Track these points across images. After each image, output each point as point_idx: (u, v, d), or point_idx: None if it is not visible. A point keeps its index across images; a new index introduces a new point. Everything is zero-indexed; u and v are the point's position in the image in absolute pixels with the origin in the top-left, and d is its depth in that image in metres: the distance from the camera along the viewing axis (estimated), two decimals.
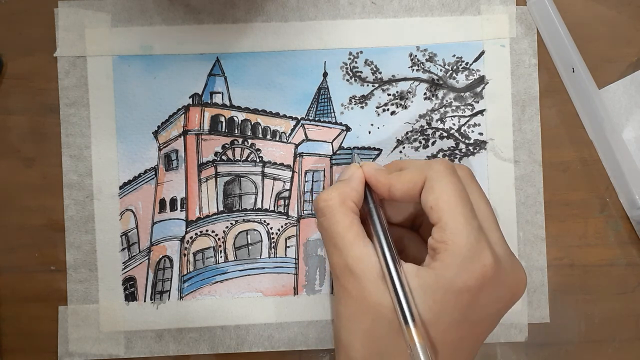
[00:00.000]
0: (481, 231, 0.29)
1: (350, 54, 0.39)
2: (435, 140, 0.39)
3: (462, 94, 0.39)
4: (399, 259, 0.30)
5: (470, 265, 0.28)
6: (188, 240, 0.39)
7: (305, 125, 0.39)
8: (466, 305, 0.29)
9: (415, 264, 0.30)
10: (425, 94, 0.39)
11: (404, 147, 0.39)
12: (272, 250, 0.39)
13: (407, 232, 0.35)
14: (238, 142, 0.39)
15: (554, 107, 0.40)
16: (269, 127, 0.39)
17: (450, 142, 0.39)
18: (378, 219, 0.32)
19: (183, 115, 0.39)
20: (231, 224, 0.39)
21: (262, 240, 0.39)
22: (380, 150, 0.39)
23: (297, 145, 0.39)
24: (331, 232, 0.31)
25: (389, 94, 0.39)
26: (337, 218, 0.31)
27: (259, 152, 0.39)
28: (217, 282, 0.39)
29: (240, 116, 0.39)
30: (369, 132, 0.39)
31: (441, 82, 0.39)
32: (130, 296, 0.39)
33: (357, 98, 0.39)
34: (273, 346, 0.39)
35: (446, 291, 0.28)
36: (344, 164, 0.39)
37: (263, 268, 0.39)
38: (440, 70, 0.39)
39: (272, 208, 0.39)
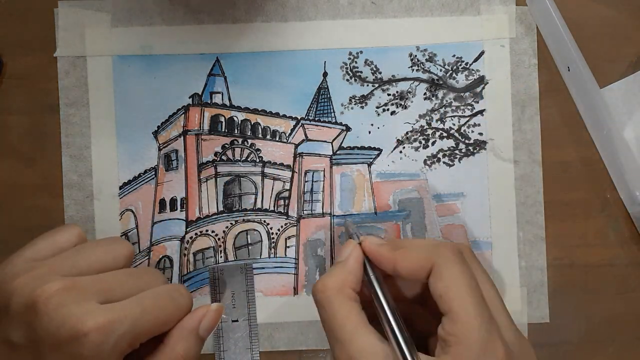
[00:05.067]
0: (492, 321, 0.28)
1: (350, 54, 0.39)
2: (435, 140, 0.39)
3: (462, 94, 0.39)
4: (416, 354, 0.29)
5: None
6: (188, 240, 0.39)
7: (305, 125, 0.39)
8: None
9: (426, 352, 0.29)
10: (425, 94, 0.39)
11: (404, 147, 0.39)
12: (272, 250, 0.39)
13: (414, 306, 0.34)
14: (238, 142, 0.39)
15: (555, 106, 0.40)
16: (268, 127, 0.39)
17: (450, 142, 0.39)
18: (386, 303, 0.30)
19: (183, 115, 0.39)
20: (231, 224, 0.39)
21: (262, 240, 0.39)
22: (380, 150, 0.39)
23: (297, 145, 0.39)
24: (330, 324, 0.30)
25: (389, 94, 0.39)
26: (334, 309, 0.30)
27: (258, 152, 0.39)
28: None
29: (240, 116, 0.39)
30: (369, 132, 0.39)
31: (441, 82, 0.39)
32: None
33: (357, 98, 0.39)
34: (273, 346, 0.39)
35: None
36: (344, 164, 0.39)
37: (263, 268, 0.39)
38: (440, 70, 0.39)
39: (272, 208, 0.39)
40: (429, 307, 0.33)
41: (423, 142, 0.39)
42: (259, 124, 0.39)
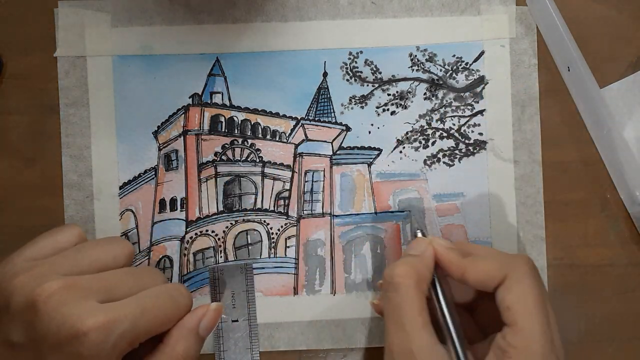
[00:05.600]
0: (553, 340, 0.29)
1: (350, 54, 0.39)
2: (435, 140, 0.39)
3: (462, 94, 0.39)
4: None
5: None
6: (188, 240, 0.39)
7: (305, 125, 0.39)
8: None
9: None
10: (425, 94, 0.39)
11: (404, 147, 0.39)
12: (272, 250, 0.39)
13: (461, 312, 0.34)
14: (238, 142, 0.39)
15: (555, 106, 0.40)
16: (268, 127, 0.39)
17: (450, 142, 0.39)
18: (449, 308, 0.31)
19: (183, 115, 0.39)
20: (231, 224, 0.39)
21: (262, 240, 0.39)
22: (380, 150, 0.39)
23: (297, 145, 0.39)
24: (400, 311, 0.30)
25: (389, 94, 0.39)
26: (410, 298, 0.30)
27: (258, 152, 0.39)
28: None
29: (240, 116, 0.39)
30: (369, 132, 0.39)
31: (441, 82, 0.39)
32: None
33: (357, 98, 0.39)
34: (273, 346, 0.39)
35: None
36: (344, 164, 0.39)
37: (263, 268, 0.39)
38: (440, 70, 0.39)
39: (272, 208, 0.39)
40: (477, 315, 0.34)
41: (423, 142, 0.39)
42: (259, 124, 0.39)
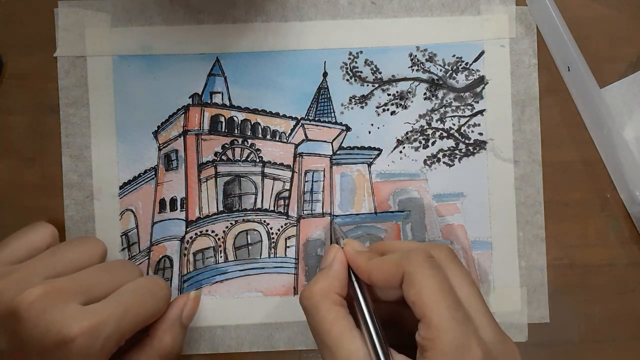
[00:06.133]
0: (467, 321, 0.28)
1: (350, 54, 0.39)
2: (435, 140, 0.39)
3: (462, 94, 0.39)
4: (391, 354, 0.29)
5: None
6: (188, 240, 0.39)
7: (305, 125, 0.39)
8: None
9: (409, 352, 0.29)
10: (425, 94, 0.39)
11: (404, 147, 0.39)
12: (272, 250, 0.39)
13: (403, 307, 0.32)
14: (238, 142, 0.39)
15: (555, 106, 0.40)
16: (268, 127, 0.39)
17: (450, 142, 0.39)
18: (366, 307, 0.30)
19: (183, 115, 0.39)
20: (231, 224, 0.39)
21: (262, 240, 0.39)
22: (380, 150, 0.39)
23: (297, 145, 0.39)
24: (318, 330, 0.30)
25: (389, 94, 0.39)
26: (321, 315, 0.30)
27: (258, 152, 0.39)
28: (217, 282, 0.39)
29: (240, 116, 0.39)
30: (369, 132, 0.39)
31: (441, 82, 0.39)
32: None
33: (357, 98, 0.39)
34: (273, 346, 0.39)
35: None
36: (344, 164, 0.39)
37: (263, 268, 0.39)
38: (440, 70, 0.39)
39: (272, 208, 0.39)
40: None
41: (423, 142, 0.39)
42: (259, 124, 0.39)
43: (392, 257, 0.31)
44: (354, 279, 0.32)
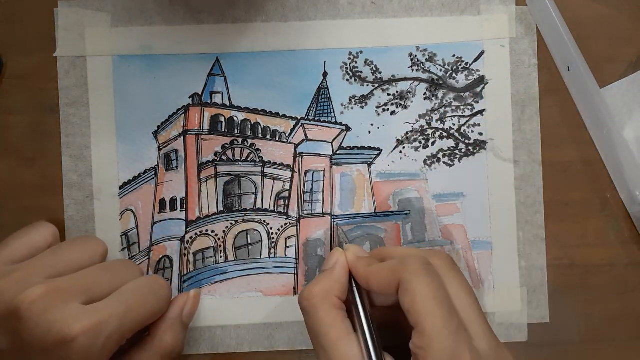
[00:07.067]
0: (460, 331, 0.28)
1: (350, 54, 0.39)
2: (435, 140, 0.39)
3: (462, 94, 0.39)
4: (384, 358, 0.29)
5: None
6: (188, 240, 0.39)
7: (305, 125, 0.39)
8: None
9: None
10: (425, 94, 0.39)
11: (404, 147, 0.39)
12: (272, 250, 0.39)
13: (402, 313, 0.32)
14: (238, 142, 0.39)
15: (555, 106, 0.40)
16: (268, 127, 0.39)
17: (450, 142, 0.39)
18: (364, 312, 0.30)
19: (183, 115, 0.39)
20: (231, 224, 0.39)
21: (262, 240, 0.39)
22: (380, 150, 0.39)
23: (297, 145, 0.39)
24: (315, 331, 0.30)
25: (389, 94, 0.39)
26: (320, 316, 0.30)
27: (258, 152, 0.39)
28: (217, 282, 0.39)
29: (240, 116, 0.39)
30: (369, 132, 0.39)
31: (441, 82, 0.39)
32: None
33: (357, 98, 0.39)
34: (273, 346, 0.39)
35: None
36: (344, 164, 0.39)
37: (263, 268, 0.39)
38: (440, 70, 0.39)
39: (272, 208, 0.39)
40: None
41: (423, 142, 0.39)
42: (259, 124, 0.39)
43: (390, 264, 0.31)
44: (353, 283, 0.32)
